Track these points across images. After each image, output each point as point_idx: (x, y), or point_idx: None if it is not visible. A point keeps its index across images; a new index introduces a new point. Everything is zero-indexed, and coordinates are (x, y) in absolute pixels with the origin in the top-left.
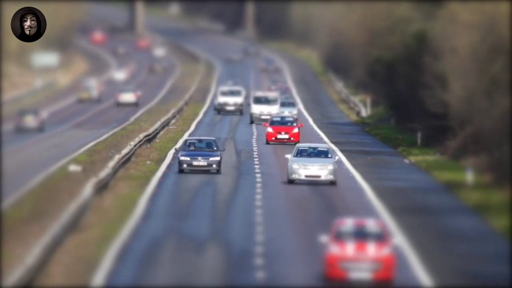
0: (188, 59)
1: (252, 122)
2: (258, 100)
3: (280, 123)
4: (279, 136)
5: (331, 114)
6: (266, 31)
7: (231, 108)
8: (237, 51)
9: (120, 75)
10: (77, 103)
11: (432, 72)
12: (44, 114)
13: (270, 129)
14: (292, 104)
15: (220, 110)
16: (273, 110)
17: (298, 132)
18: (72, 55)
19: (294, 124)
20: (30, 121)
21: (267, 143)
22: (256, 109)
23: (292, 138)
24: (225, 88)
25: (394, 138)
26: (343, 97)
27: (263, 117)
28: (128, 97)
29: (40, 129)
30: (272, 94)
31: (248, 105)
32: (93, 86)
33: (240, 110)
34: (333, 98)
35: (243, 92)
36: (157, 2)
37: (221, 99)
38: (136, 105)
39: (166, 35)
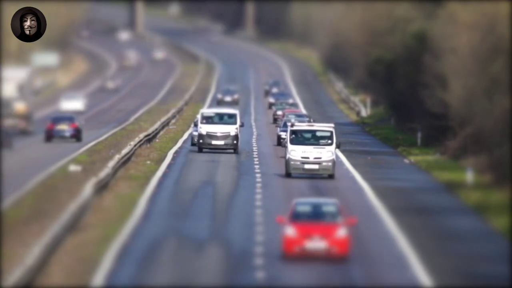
0: (188, 59)
1: (200, 149)
2: (209, 119)
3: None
4: (309, 246)
5: (331, 114)
6: (266, 31)
7: (219, 142)
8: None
9: (71, 104)
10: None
11: (432, 72)
12: (81, 121)
13: (290, 231)
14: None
15: (201, 146)
16: (231, 130)
17: (346, 238)
18: (72, 55)
19: (336, 219)
20: (65, 128)
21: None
22: (204, 129)
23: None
24: (209, 111)
25: (394, 138)
26: (343, 97)
27: (214, 142)
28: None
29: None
30: (230, 110)
31: (194, 125)
32: (78, 98)
33: (234, 146)
34: (333, 98)
35: (238, 118)
36: (157, 2)
37: (204, 129)
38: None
39: (166, 35)
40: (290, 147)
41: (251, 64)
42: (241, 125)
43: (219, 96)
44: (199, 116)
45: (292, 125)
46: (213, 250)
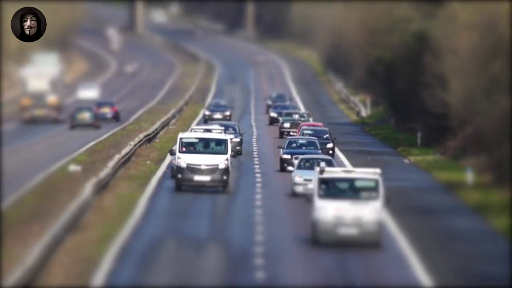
0: (188, 59)
1: (178, 186)
2: (190, 146)
3: None
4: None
5: (331, 114)
6: (266, 31)
7: (204, 178)
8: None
9: (88, 93)
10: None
11: (432, 72)
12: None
13: None
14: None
15: (180, 182)
16: (220, 162)
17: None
18: (72, 55)
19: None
20: (86, 118)
21: None
22: (184, 160)
23: None
24: (191, 136)
25: (394, 138)
26: (343, 97)
27: (197, 178)
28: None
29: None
30: (219, 135)
31: (171, 153)
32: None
33: (223, 182)
34: (333, 98)
35: (229, 145)
36: (157, 2)
37: (184, 159)
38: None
39: (166, 35)
40: (318, 202)
41: (251, 64)
42: (241, 136)
43: (207, 112)
44: (177, 141)
45: (321, 172)
46: (213, 250)
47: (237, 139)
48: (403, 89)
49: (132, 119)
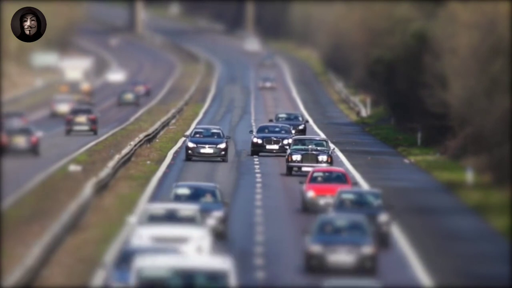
0: (188, 59)
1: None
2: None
3: None
4: None
5: (331, 114)
6: (266, 31)
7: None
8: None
9: (116, 76)
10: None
11: (432, 72)
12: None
13: None
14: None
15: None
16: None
17: None
18: (72, 55)
19: None
20: (130, 97)
21: None
22: (146, 234)
23: None
24: (158, 208)
25: (394, 138)
26: (343, 97)
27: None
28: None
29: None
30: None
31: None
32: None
33: None
34: (333, 98)
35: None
36: (157, 2)
37: (139, 235)
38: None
39: (166, 35)
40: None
41: (251, 64)
42: (227, 139)
43: (190, 145)
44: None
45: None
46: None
47: (219, 214)
48: (403, 89)
49: (132, 119)
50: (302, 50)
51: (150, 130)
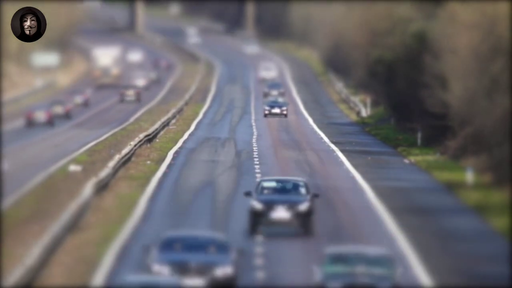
0: (188, 59)
1: None
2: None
3: None
4: None
5: (331, 114)
6: (266, 31)
7: None
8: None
9: (135, 56)
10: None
11: (432, 72)
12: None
13: None
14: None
15: None
16: None
17: None
18: (72, 55)
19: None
20: (131, 93)
21: None
22: None
23: None
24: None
25: (394, 138)
26: (343, 97)
27: None
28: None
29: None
30: None
31: None
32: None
33: None
34: (333, 98)
35: None
36: (157, 2)
37: None
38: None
39: (166, 35)
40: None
41: (251, 64)
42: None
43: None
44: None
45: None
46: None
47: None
48: (403, 89)
49: (132, 119)
50: (302, 50)
51: (150, 130)
